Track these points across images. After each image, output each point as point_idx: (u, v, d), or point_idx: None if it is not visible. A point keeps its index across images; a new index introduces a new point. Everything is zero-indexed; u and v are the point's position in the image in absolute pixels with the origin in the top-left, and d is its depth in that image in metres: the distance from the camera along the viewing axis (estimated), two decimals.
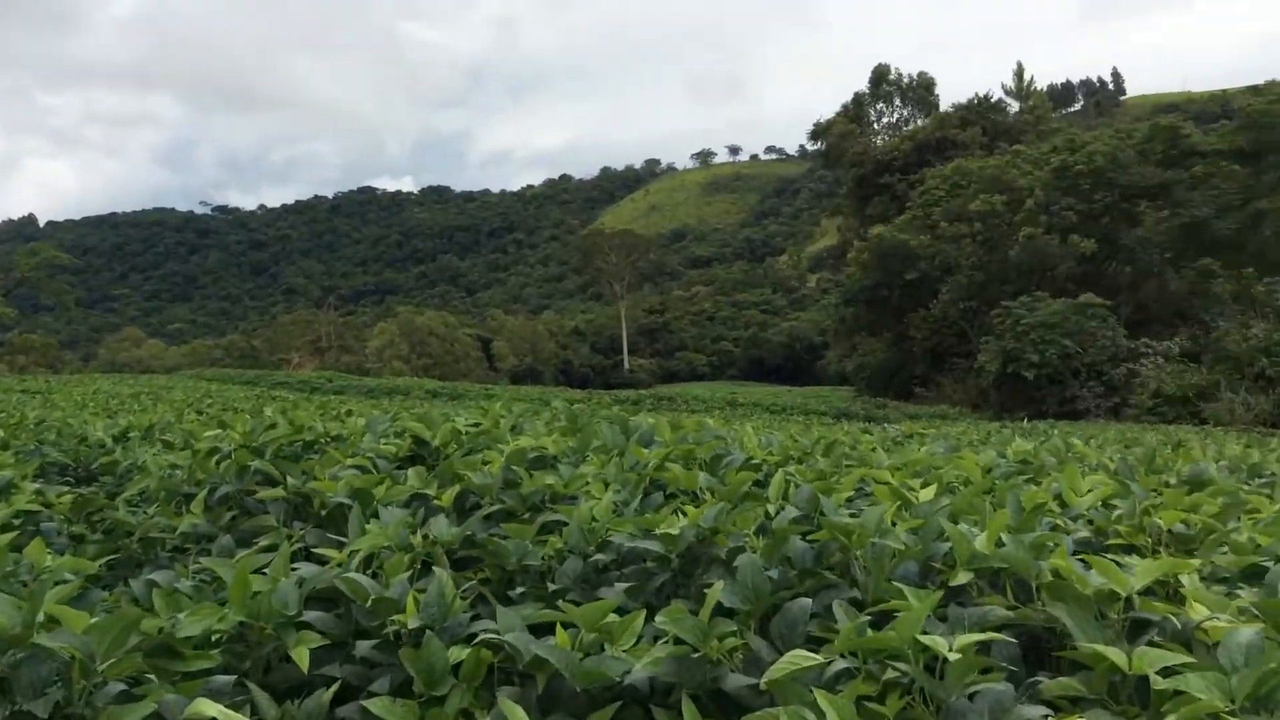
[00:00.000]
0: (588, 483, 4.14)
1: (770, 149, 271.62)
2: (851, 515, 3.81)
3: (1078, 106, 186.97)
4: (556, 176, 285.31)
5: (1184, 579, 3.22)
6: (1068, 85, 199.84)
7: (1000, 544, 3.03)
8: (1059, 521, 3.80)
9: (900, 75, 77.54)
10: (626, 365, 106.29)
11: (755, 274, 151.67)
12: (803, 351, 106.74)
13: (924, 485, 4.61)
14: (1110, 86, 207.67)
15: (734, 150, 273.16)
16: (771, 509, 3.85)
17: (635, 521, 3.42)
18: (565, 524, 3.55)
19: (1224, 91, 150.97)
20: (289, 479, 4.37)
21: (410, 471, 4.31)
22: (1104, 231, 42.74)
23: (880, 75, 77.25)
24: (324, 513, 4.22)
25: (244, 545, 4.08)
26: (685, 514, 3.46)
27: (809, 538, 3.26)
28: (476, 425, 6.08)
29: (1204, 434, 18.05)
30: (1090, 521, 4.06)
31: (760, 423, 15.96)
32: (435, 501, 4.05)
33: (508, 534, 3.53)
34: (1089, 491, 4.33)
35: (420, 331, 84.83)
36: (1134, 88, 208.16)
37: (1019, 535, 3.11)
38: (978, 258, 46.08)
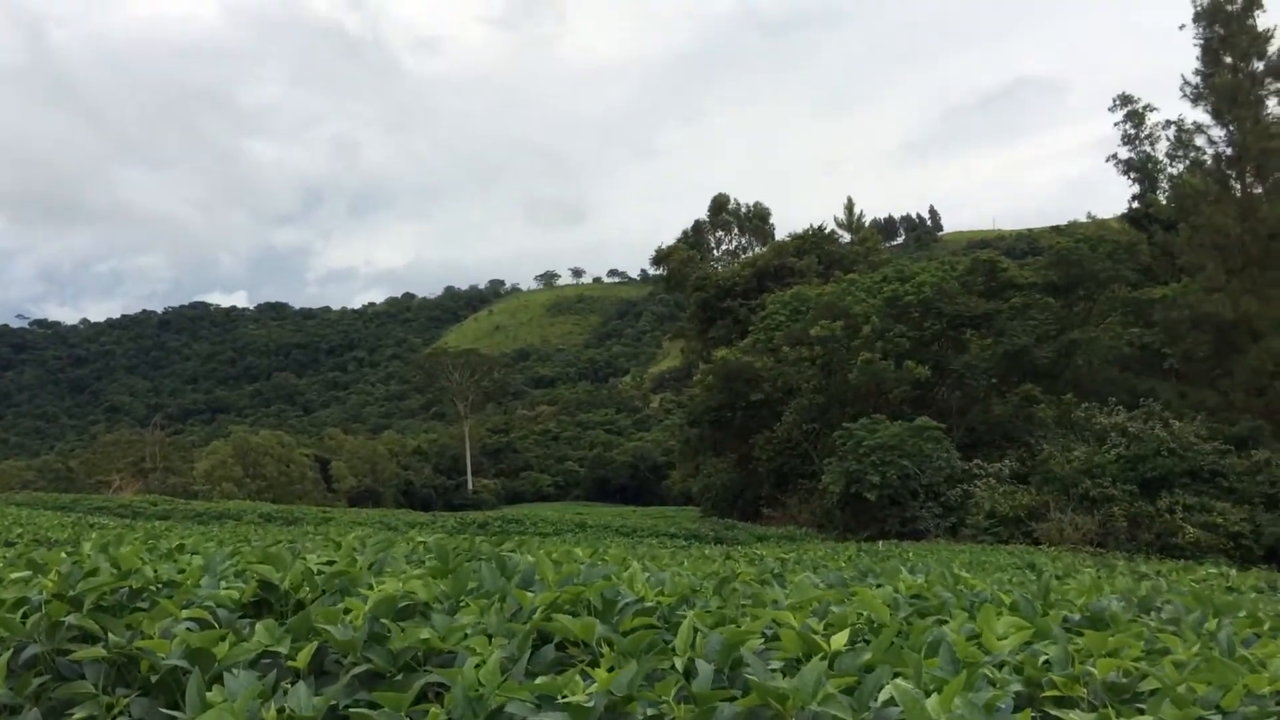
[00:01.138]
0: (467, 635, 3.65)
1: (613, 272, 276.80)
2: (773, 671, 3.43)
3: (900, 240, 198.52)
4: (399, 295, 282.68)
5: None
6: (890, 220, 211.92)
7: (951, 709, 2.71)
8: (989, 673, 3.52)
9: (738, 205, 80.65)
10: (470, 486, 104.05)
11: (599, 394, 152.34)
12: (647, 471, 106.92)
13: (828, 627, 4.30)
14: (929, 222, 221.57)
15: (577, 272, 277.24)
16: (679, 664, 3.45)
17: (531, 688, 2.96)
18: (447, 688, 3.06)
19: (1029, 230, 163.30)
20: (111, 635, 3.72)
21: (259, 626, 3.71)
22: (935, 358, 44.71)
23: (720, 204, 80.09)
24: (154, 678, 3.57)
25: (53, 719, 3.42)
26: (588, 675, 3.03)
27: (737, 703, 2.87)
28: (330, 564, 5.47)
29: (1052, 557, 18.57)
30: (1017, 670, 3.80)
31: (616, 547, 15.50)
32: (289, 663, 3.47)
33: (379, 702, 3.01)
34: (1007, 635, 4.09)
35: (255, 451, 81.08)
36: (950, 224, 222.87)
37: (968, 696, 2.80)
38: (819, 380, 47.37)
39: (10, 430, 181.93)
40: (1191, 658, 3.89)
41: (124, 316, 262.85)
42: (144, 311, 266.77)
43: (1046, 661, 3.79)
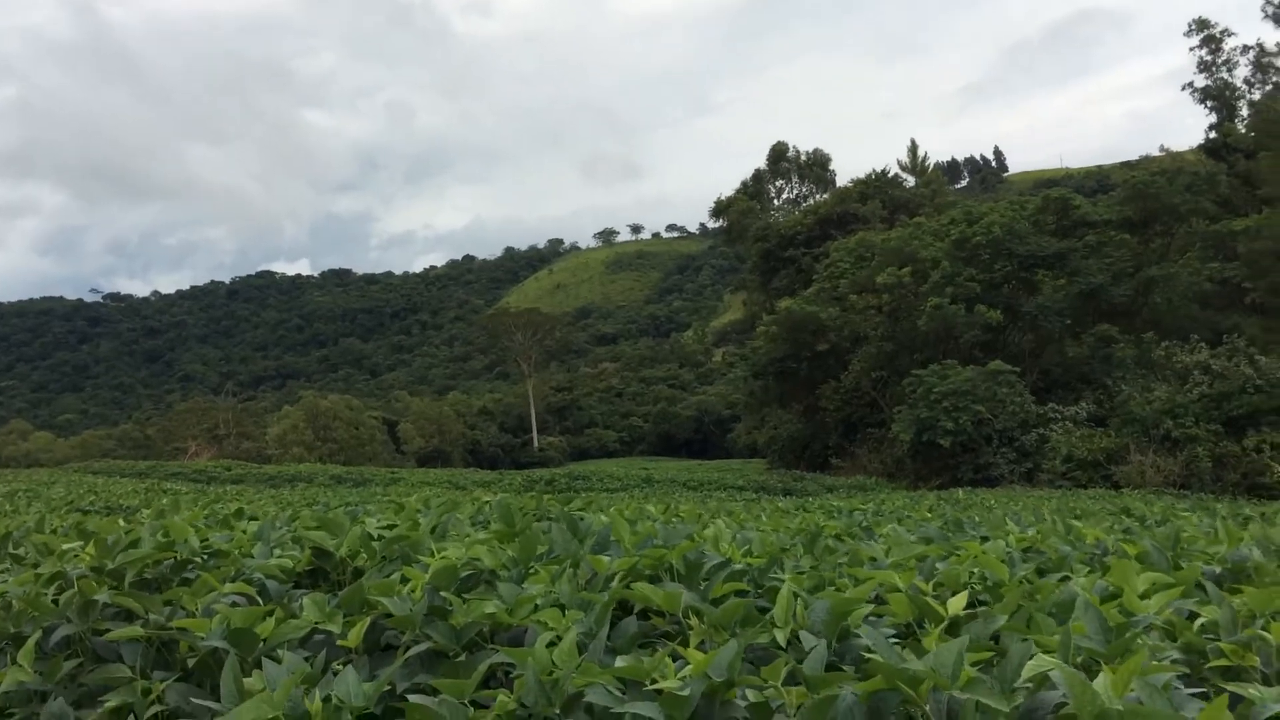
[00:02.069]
0: (537, 607, 3.25)
1: (672, 227, 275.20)
2: (896, 644, 2.98)
3: (964, 183, 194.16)
4: (459, 257, 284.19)
5: None
6: (953, 163, 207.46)
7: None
8: (1145, 641, 3.03)
9: (798, 153, 79.14)
10: (536, 444, 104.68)
11: (661, 350, 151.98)
12: (711, 425, 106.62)
13: (938, 588, 3.83)
14: (994, 164, 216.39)
15: (636, 229, 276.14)
16: (780, 637, 3.01)
17: (614, 671, 2.54)
18: (516, 672, 2.66)
19: (1099, 167, 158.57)
20: (150, 614, 3.39)
21: (307, 600, 3.34)
22: (1006, 300, 43.46)
23: (779, 153, 78.67)
24: (192, 661, 3.24)
25: (86, 705, 3.10)
26: (679, 655, 2.61)
27: (858, 686, 2.43)
28: (390, 528, 5.13)
29: (1144, 500, 17.82)
30: (1169, 635, 3.30)
31: (686, 502, 15.13)
32: (340, 642, 3.11)
33: (439, 689, 2.62)
34: (1149, 594, 3.59)
35: (324, 415, 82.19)
36: (1015, 164, 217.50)
37: (1148, 678, 2.33)
38: (886, 328, 46.39)
39: (90, 401, 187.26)
40: None
41: (193, 288, 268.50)
42: (212, 282, 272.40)
43: (1203, 625, 3.29)
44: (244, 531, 5.12)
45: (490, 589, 3.60)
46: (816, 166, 79.42)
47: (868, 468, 43.37)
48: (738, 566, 3.84)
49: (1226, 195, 46.63)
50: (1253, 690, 2.66)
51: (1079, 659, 2.90)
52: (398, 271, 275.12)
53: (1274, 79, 42.30)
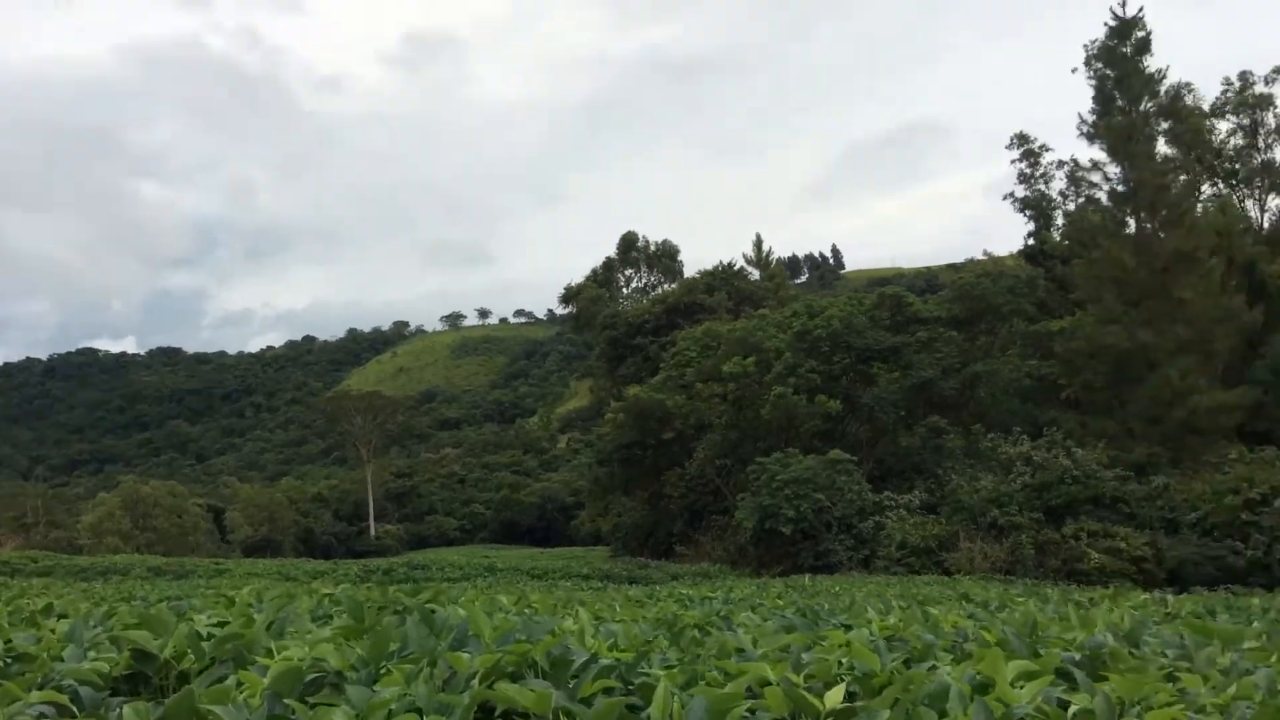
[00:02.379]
0: (391, 713, 2.98)
1: (520, 312, 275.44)
2: None
3: (805, 278, 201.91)
4: (299, 338, 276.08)
5: None
6: (795, 259, 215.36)
7: None
8: None
9: (647, 243, 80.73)
10: (373, 532, 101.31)
11: (506, 436, 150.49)
12: (555, 512, 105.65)
13: (809, 679, 3.73)
14: (832, 261, 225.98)
15: (484, 313, 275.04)
16: None
17: None
18: None
19: (929, 268, 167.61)
20: None
21: (127, 710, 2.97)
22: (845, 391, 44.90)
23: (629, 242, 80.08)
24: None
25: None
26: None
27: None
28: (221, 625, 4.71)
29: (980, 586, 18.38)
30: None
31: (533, 592, 14.74)
32: None
33: None
34: (1019, 683, 3.57)
35: (144, 503, 77.44)
36: (852, 262, 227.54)
37: None
38: (731, 416, 47.16)
39: None
40: (1231, 701, 3.42)
41: (6, 364, 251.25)
42: (28, 359, 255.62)
43: (1075, 715, 3.28)
44: (53, 631, 4.62)
45: (337, 692, 3.30)
46: (665, 257, 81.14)
47: (711, 555, 43.55)
48: (606, 661, 3.65)
49: (1044, 298, 49.80)
50: None
51: None
52: (232, 351, 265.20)
53: (1086, 192, 45.72)
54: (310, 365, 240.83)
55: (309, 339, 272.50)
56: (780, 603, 9.69)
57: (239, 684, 3.27)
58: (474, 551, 70.69)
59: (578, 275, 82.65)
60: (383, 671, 3.44)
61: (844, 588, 17.91)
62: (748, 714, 3.24)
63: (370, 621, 4.16)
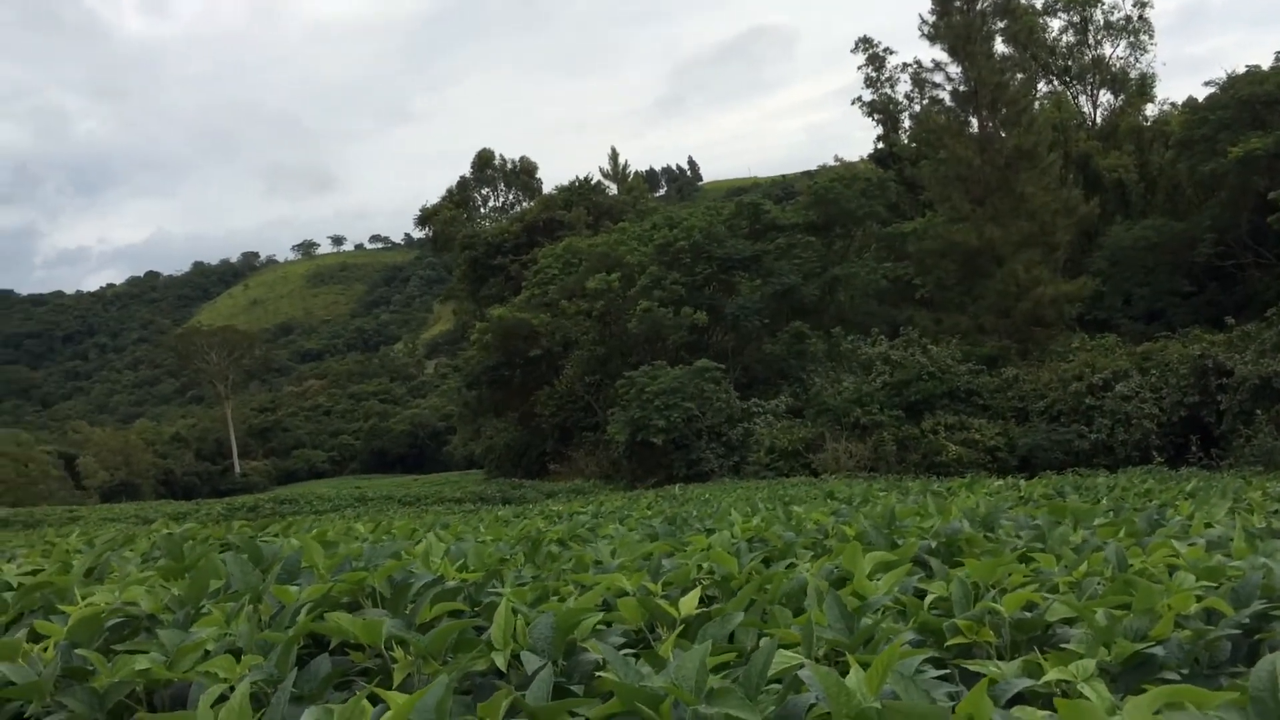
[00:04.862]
0: (207, 654, 2.69)
1: (376, 238, 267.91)
2: (627, 654, 2.66)
3: (663, 191, 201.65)
4: (141, 274, 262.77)
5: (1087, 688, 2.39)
6: (652, 172, 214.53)
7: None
8: (886, 627, 2.87)
9: (504, 160, 79.05)
10: (238, 469, 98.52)
11: (371, 364, 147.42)
12: (427, 439, 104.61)
13: (667, 586, 3.58)
14: (689, 173, 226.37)
15: (338, 240, 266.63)
16: (500, 661, 2.63)
17: None
18: None
19: (784, 176, 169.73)
20: None
21: None
22: (709, 302, 45.25)
23: (484, 160, 78.26)
24: None
25: None
26: (378, 699, 2.17)
27: (594, 712, 2.09)
28: (34, 573, 4.31)
29: (844, 483, 18.84)
30: (902, 615, 3.19)
31: (401, 518, 14.43)
32: None
33: None
34: (876, 575, 3.49)
35: None
36: (709, 174, 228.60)
37: (902, 670, 2.13)
38: (597, 332, 47.08)
39: None
40: (1083, 577, 3.42)
41: None
42: None
43: (933, 602, 3.22)
44: None
45: (151, 637, 2.99)
46: (523, 174, 79.64)
47: (585, 471, 43.78)
48: (451, 584, 3.42)
49: (896, 200, 50.95)
50: (993, 667, 2.56)
51: (821, 651, 2.72)
52: (69, 291, 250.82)
53: (930, 93, 46.61)
54: (156, 302, 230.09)
55: (152, 274, 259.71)
56: (649, 513, 9.65)
57: (35, 636, 2.93)
58: (344, 483, 69.49)
59: (434, 196, 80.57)
60: (203, 612, 3.14)
61: (714, 494, 18.14)
62: (603, 626, 3.08)
63: (192, 559, 3.82)
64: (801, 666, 2.28)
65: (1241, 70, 44.02)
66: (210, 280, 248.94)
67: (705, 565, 3.83)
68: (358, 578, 3.27)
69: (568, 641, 2.74)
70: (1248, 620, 2.75)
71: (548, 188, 75.50)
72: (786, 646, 2.63)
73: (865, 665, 2.12)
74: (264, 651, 2.66)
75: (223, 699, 2.25)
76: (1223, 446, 31.05)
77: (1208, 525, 4.93)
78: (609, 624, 3.09)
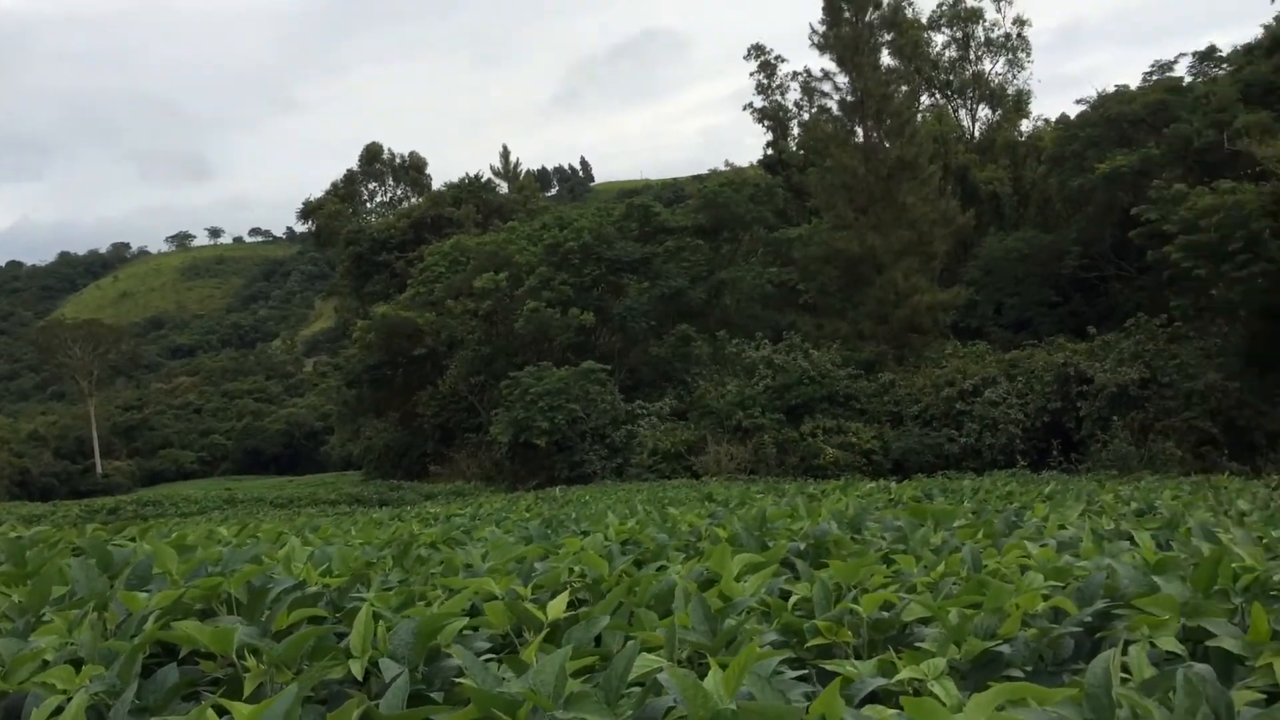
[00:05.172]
0: (46, 664, 2.56)
1: (256, 231, 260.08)
2: (493, 660, 2.63)
3: (555, 190, 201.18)
4: (3, 264, 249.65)
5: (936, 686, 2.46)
6: (544, 171, 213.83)
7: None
8: (748, 628, 2.91)
9: (392, 155, 77.78)
10: (100, 470, 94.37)
11: (246, 361, 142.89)
12: (303, 439, 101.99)
13: (537, 590, 3.56)
14: (581, 173, 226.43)
15: (215, 232, 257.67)
16: (357, 669, 2.57)
17: None
18: None
19: (675, 179, 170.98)
20: None
21: None
22: (596, 303, 45.28)
23: (372, 154, 76.87)
24: None
25: None
26: (224, 710, 2.09)
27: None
28: None
29: (723, 485, 19.06)
30: (766, 616, 3.23)
31: (270, 521, 14.05)
32: None
33: None
34: (744, 576, 3.53)
35: None
36: (600, 174, 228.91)
37: (754, 668, 2.15)
38: (483, 332, 46.64)
39: None
40: (940, 577, 3.52)
41: None
42: None
43: (797, 603, 3.27)
44: None
45: None
46: (412, 169, 78.47)
47: (466, 472, 43.35)
48: (312, 589, 3.33)
49: (783, 206, 51.88)
50: (849, 667, 2.61)
51: (685, 654, 2.73)
52: None
53: (819, 101, 47.60)
54: (19, 293, 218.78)
55: (15, 264, 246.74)
56: (527, 515, 9.60)
57: None
58: (214, 484, 67.22)
59: (319, 189, 78.56)
60: (44, 620, 2.99)
61: (595, 496, 18.15)
62: (469, 631, 3.04)
63: (35, 565, 3.64)
64: (662, 669, 2.28)
65: (1111, 90, 46.07)
66: (77, 271, 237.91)
67: (577, 568, 3.83)
68: (212, 583, 3.16)
69: (430, 647, 2.69)
70: (1089, 619, 2.87)
71: (437, 184, 74.69)
72: (651, 649, 2.64)
73: (725, 667, 2.13)
74: (107, 661, 2.55)
75: (60, 711, 2.15)
76: (1081, 451, 32.49)
77: (1061, 527, 5.14)
78: (475, 629, 3.06)
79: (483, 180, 69.50)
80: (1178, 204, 31.75)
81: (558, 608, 3.02)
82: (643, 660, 2.43)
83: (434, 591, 3.53)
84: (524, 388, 38.85)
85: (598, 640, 2.83)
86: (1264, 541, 3.80)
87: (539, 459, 38.47)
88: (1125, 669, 2.24)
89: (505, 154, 74.67)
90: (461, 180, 68.40)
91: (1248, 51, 42.24)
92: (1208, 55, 47.52)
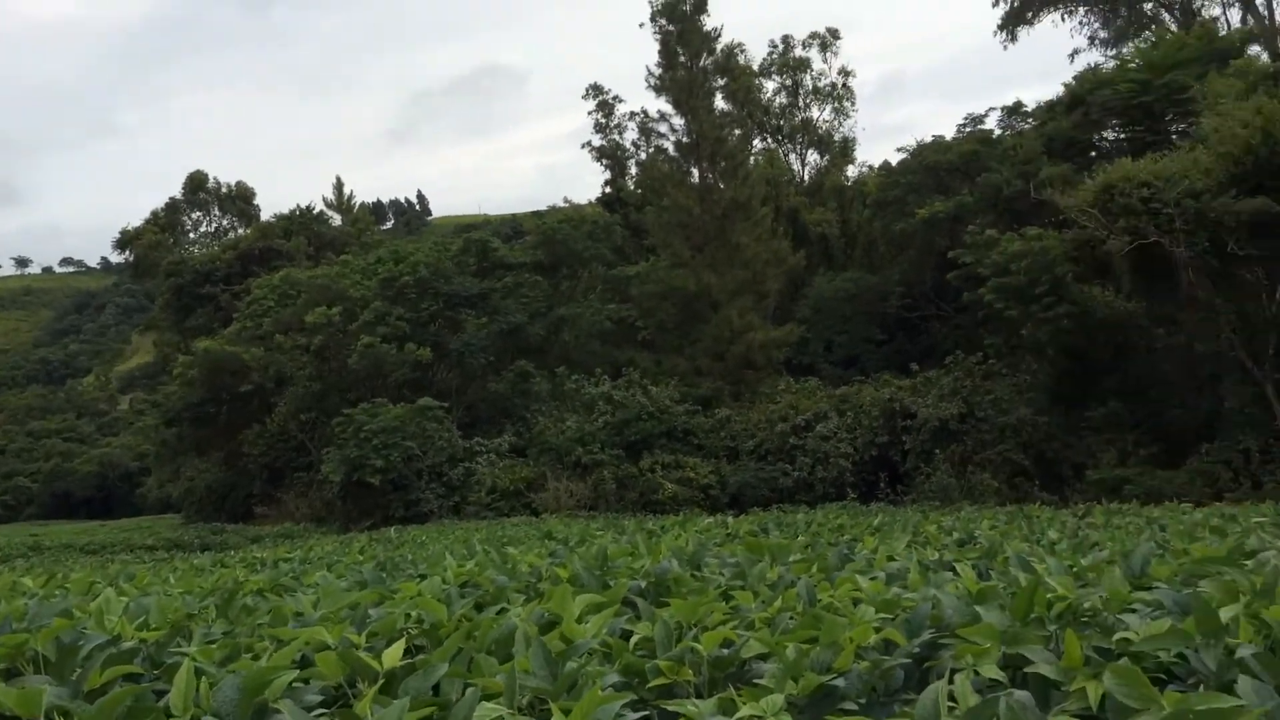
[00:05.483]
0: None
1: (67, 260, 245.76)
2: (320, 713, 2.53)
3: (390, 224, 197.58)
4: None
5: None
6: (379, 204, 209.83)
7: None
8: (581, 666, 2.89)
9: (218, 184, 74.96)
10: None
11: (55, 399, 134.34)
12: (118, 480, 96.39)
13: (372, 638, 3.45)
14: (418, 207, 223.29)
15: (22, 262, 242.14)
16: None
17: None
18: None
19: (514, 215, 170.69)
20: None
21: None
22: (433, 338, 44.58)
23: (197, 182, 73.88)
24: None
25: None
26: None
27: None
28: None
29: (564, 522, 18.94)
30: (608, 657, 3.22)
31: (80, 569, 13.19)
32: None
33: None
34: (585, 618, 3.52)
35: None
36: (438, 209, 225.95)
37: (602, 716, 2.14)
38: (315, 368, 45.20)
39: None
40: (777, 613, 3.59)
41: None
42: None
43: (638, 643, 3.28)
44: None
45: None
46: (240, 199, 75.76)
47: (295, 514, 41.86)
48: (128, 644, 3.14)
49: (621, 244, 52.49)
50: (691, 706, 2.63)
51: (526, 700, 2.69)
52: None
53: (656, 142, 48.53)
54: None
55: None
56: (361, 558, 9.32)
57: None
58: (18, 530, 62.61)
59: (136, 218, 74.68)
60: None
61: (431, 537, 17.80)
62: (299, 684, 2.92)
63: None
64: (502, 718, 2.25)
65: (929, 139, 48.62)
66: None
67: (414, 614, 3.73)
68: (18, 640, 2.94)
69: (257, 703, 2.57)
70: (918, 649, 2.98)
71: (267, 215, 72.28)
72: (491, 696, 2.59)
73: (568, 712, 2.12)
74: None
75: None
76: (907, 482, 33.90)
77: (890, 559, 5.34)
78: (306, 681, 2.94)
79: (315, 212, 67.74)
80: (990, 248, 33.73)
81: (394, 656, 2.93)
82: (483, 709, 2.39)
83: (261, 643, 3.38)
84: (358, 425, 37.83)
85: (436, 689, 2.77)
86: (1074, 570, 4.04)
87: (373, 498, 37.48)
88: (952, 697, 2.32)
89: (339, 186, 73.16)
90: (292, 212, 66.47)
91: (1050, 108, 45.44)
92: (1015, 110, 50.84)
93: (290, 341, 45.16)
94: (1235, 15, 58.19)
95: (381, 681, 2.76)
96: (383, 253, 51.82)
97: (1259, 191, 28.24)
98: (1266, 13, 56.95)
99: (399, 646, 2.99)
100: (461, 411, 43.59)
